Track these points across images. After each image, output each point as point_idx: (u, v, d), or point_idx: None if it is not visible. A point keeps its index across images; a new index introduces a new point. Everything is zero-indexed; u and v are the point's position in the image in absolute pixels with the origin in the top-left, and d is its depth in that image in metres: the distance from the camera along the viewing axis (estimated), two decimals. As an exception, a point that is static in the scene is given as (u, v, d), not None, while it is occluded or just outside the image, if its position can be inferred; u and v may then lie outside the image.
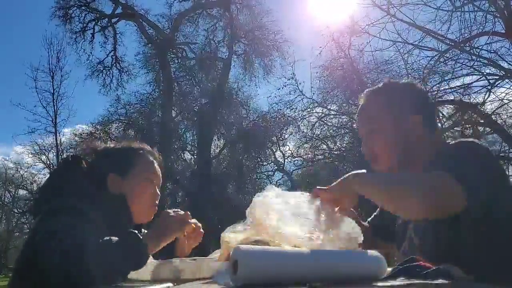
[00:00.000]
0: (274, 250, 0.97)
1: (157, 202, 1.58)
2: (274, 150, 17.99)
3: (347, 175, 1.29)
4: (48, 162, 19.60)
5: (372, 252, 1.03)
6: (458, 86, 8.83)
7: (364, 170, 1.29)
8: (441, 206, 1.10)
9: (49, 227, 1.21)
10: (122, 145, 1.64)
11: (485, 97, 8.62)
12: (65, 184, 1.41)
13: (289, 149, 17.08)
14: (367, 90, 1.51)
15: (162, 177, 1.63)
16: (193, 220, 1.48)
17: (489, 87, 8.50)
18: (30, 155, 19.98)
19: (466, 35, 8.33)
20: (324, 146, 14.93)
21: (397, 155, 1.36)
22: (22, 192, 22.37)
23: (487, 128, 9.54)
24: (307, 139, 14.41)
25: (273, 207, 1.16)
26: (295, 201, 1.22)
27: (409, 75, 9.44)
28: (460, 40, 8.42)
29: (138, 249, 1.21)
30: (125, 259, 1.17)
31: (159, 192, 1.60)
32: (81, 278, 1.11)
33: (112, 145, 1.63)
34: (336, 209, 1.23)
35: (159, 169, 1.62)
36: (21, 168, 21.48)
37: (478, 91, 8.87)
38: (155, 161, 1.61)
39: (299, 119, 14.19)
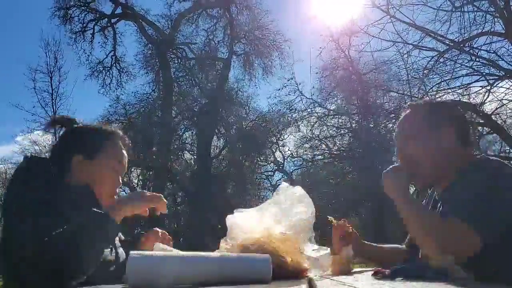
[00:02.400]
0: (165, 256, 0.99)
1: (117, 191, 1.53)
2: (274, 150, 18.00)
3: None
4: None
5: (260, 256, 1.05)
6: (457, 86, 8.83)
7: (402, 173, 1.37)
8: (455, 252, 1.12)
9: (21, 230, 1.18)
10: (94, 125, 1.57)
11: (485, 97, 8.62)
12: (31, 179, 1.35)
13: (288, 149, 17.10)
14: (409, 103, 1.58)
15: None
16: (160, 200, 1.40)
17: (489, 87, 8.51)
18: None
19: (465, 35, 8.34)
20: (324, 146, 14.93)
21: (429, 163, 1.41)
22: (21, 192, 22.31)
23: (487, 128, 9.54)
24: (307, 139, 14.42)
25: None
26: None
27: (409, 75, 9.45)
28: (460, 40, 8.43)
29: (107, 223, 1.22)
30: (97, 235, 1.20)
31: (121, 181, 1.54)
32: (74, 266, 1.13)
33: (84, 124, 1.57)
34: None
35: (126, 157, 1.56)
36: (20, 169, 21.42)
37: (478, 91, 8.88)
38: (124, 149, 1.56)
39: (299, 119, 14.20)
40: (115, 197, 1.52)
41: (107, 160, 1.49)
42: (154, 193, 1.42)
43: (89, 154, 1.47)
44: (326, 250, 1.30)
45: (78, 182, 1.44)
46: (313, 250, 1.29)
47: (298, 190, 1.33)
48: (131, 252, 0.97)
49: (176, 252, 1.14)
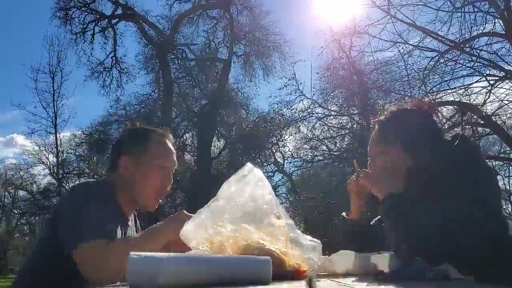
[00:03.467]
0: (165, 256, 1.00)
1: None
2: (274, 151, 18.00)
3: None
4: (48, 163, 19.61)
5: (260, 257, 1.04)
6: (458, 87, 8.82)
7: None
8: None
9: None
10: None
11: (485, 98, 8.61)
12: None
13: (289, 150, 17.10)
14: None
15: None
16: None
17: (489, 88, 8.50)
18: (30, 156, 19.99)
19: (466, 36, 8.32)
20: (324, 147, 14.93)
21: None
22: (22, 193, 22.36)
23: (487, 129, 9.54)
24: (307, 140, 14.41)
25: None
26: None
27: (409, 76, 9.45)
28: (460, 41, 8.42)
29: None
30: None
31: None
32: None
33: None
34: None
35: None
36: (21, 169, 21.48)
37: (478, 92, 8.87)
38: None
39: (299, 119, 14.19)
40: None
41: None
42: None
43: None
44: (318, 244, 1.30)
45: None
46: (308, 241, 1.29)
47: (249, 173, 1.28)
48: (131, 252, 0.97)
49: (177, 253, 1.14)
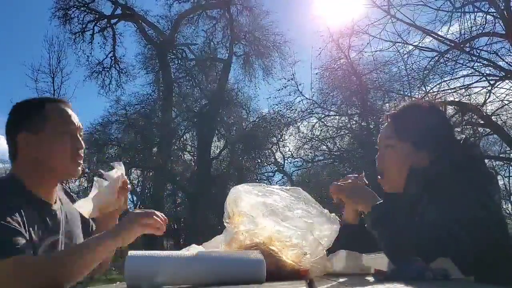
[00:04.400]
0: (163, 255, 1.00)
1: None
2: (274, 151, 17.98)
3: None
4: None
5: (254, 255, 1.04)
6: (458, 86, 8.83)
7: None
8: None
9: None
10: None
11: (485, 98, 8.62)
12: None
13: (289, 150, 17.08)
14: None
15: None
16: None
17: (490, 88, 8.51)
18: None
19: (466, 36, 8.33)
20: (324, 147, 14.92)
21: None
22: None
23: (487, 129, 9.54)
24: (307, 140, 14.40)
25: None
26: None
27: (409, 76, 9.45)
28: (460, 41, 8.42)
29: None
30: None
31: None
32: None
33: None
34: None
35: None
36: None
37: (478, 92, 8.87)
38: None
39: (299, 120, 14.19)
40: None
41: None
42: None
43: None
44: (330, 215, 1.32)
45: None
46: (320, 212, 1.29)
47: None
48: (130, 251, 0.97)
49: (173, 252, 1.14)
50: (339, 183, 1.52)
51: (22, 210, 1.28)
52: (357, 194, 1.46)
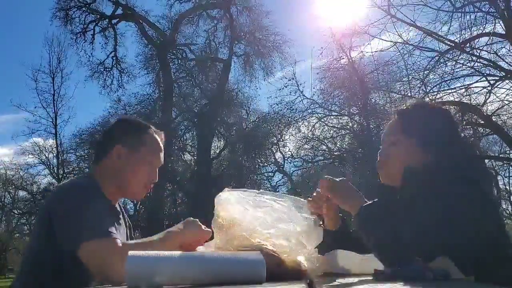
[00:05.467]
0: (163, 255, 1.00)
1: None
2: (274, 151, 17.99)
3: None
4: (48, 163, 19.60)
5: (254, 256, 1.04)
6: (458, 86, 8.83)
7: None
8: None
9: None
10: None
11: (486, 98, 8.62)
12: None
13: (289, 150, 17.09)
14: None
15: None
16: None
17: (490, 88, 8.51)
18: (30, 156, 19.97)
19: (466, 36, 8.34)
20: (324, 147, 14.93)
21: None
22: (22, 193, 22.32)
23: (487, 129, 9.54)
24: (307, 140, 14.40)
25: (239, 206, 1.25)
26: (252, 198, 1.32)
27: (409, 76, 9.45)
28: (461, 41, 8.42)
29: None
30: None
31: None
32: None
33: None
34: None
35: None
36: (21, 169, 21.47)
37: (479, 92, 8.87)
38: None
39: (300, 119, 14.19)
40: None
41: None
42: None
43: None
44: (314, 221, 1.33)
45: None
46: (305, 217, 1.31)
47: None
48: (130, 252, 0.97)
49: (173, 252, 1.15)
50: (330, 178, 1.51)
51: (106, 206, 1.46)
52: (346, 193, 1.47)
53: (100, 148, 1.61)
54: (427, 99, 9.00)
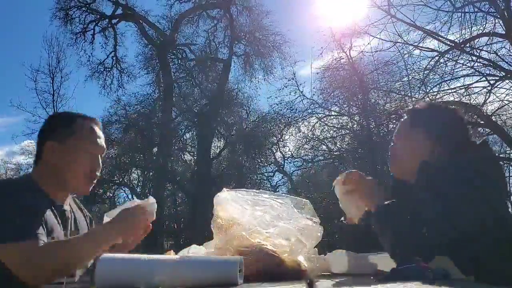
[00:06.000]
0: (134, 259, 1.00)
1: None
2: (274, 151, 17.98)
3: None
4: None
5: (229, 258, 1.04)
6: (458, 86, 8.83)
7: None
8: None
9: None
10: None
11: (486, 98, 8.62)
12: None
13: (289, 150, 17.07)
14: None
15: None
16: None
17: (489, 88, 8.50)
18: (31, 156, 19.95)
19: (466, 36, 8.34)
20: (324, 147, 14.92)
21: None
22: (22, 193, 22.27)
23: (487, 129, 9.54)
24: (307, 140, 14.39)
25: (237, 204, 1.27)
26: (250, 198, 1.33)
27: (409, 76, 9.45)
28: (461, 41, 8.42)
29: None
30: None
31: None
32: None
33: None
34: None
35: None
36: (21, 169, 21.44)
37: (479, 92, 8.87)
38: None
39: (299, 119, 14.18)
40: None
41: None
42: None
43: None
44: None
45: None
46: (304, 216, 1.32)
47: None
48: (102, 255, 0.98)
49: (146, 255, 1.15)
50: (358, 172, 1.54)
51: (38, 203, 1.38)
52: (370, 191, 1.49)
53: (36, 149, 1.55)
54: (427, 99, 9.01)
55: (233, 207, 1.27)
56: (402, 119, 1.65)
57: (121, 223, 1.39)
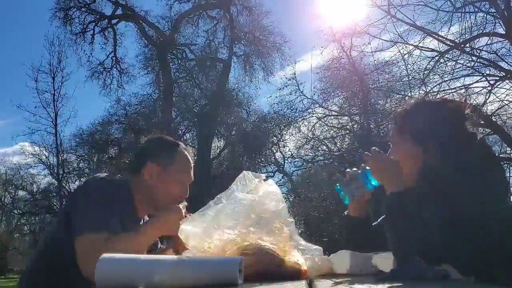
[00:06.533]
0: (134, 259, 1.01)
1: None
2: (274, 151, 17.99)
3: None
4: (48, 163, 19.60)
5: (229, 258, 1.04)
6: (458, 86, 8.82)
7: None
8: None
9: None
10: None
11: (486, 98, 8.61)
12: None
13: (289, 150, 17.08)
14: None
15: None
16: None
17: (490, 88, 8.50)
18: (30, 156, 19.97)
19: (466, 36, 8.34)
20: (324, 147, 14.91)
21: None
22: (22, 193, 22.32)
23: (487, 129, 9.53)
24: (307, 139, 14.39)
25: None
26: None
27: (409, 76, 9.45)
28: (461, 41, 8.43)
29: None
30: None
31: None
32: None
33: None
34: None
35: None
36: (21, 169, 21.46)
37: (479, 92, 8.86)
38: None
39: (299, 119, 14.17)
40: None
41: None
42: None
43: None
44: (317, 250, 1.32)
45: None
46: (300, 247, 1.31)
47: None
48: (102, 255, 0.98)
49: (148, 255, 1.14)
50: (382, 153, 1.47)
51: (125, 211, 1.51)
52: (388, 170, 1.41)
53: (133, 164, 1.67)
54: (427, 99, 8.99)
55: (197, 234, 1.27)
56: (392, 125, 1.61)
57: (164, 221, 1.51)
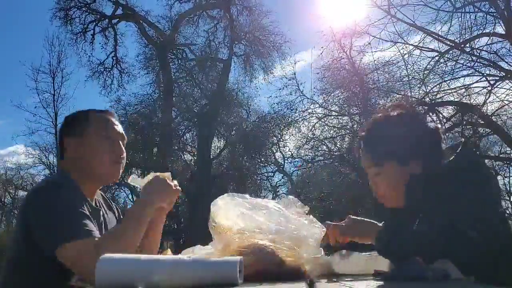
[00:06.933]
0: (135, 259, 1.00)
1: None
2: (274, 151, 17.99)
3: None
4: (48, 163, 19.60)
5: (229, 259, 1.04)
6: (458, 87, 8.83)
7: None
8: None
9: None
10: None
11: (486, 98, 8.62)
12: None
13: (289, 150, 17.08)
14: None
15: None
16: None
17: (490, 88, 8.50)
18: (30, 156, 19.96)
19: (466, 36, 8.35)
20: (324, 147, 14.91)
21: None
22: (22, 193, 22.31)
23: (487, 129, 9.54)
24: (307, 140, 14.39)
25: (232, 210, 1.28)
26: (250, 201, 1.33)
27: (409, 76, 9.45)
28: (461, 41, 8.43)
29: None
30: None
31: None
32: None
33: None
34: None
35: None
36: (21, 169, 21.45)
37: (479, 92, 8.87)
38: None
39: (299, 119, 14.18)
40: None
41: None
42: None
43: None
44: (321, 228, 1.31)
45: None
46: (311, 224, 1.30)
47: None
48: (102, 255, 0.98)
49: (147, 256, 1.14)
50: (336, 224, 1.48)
51: (85, 202, 1.46)
52: (359, 229, 1.45)
53: (59, 149, 1.61)
54: (427, 99, 9.01)
55: (231, 212, 1.27)
56: (361, 148, 1.51)
57: (154, 192, 1.48)
